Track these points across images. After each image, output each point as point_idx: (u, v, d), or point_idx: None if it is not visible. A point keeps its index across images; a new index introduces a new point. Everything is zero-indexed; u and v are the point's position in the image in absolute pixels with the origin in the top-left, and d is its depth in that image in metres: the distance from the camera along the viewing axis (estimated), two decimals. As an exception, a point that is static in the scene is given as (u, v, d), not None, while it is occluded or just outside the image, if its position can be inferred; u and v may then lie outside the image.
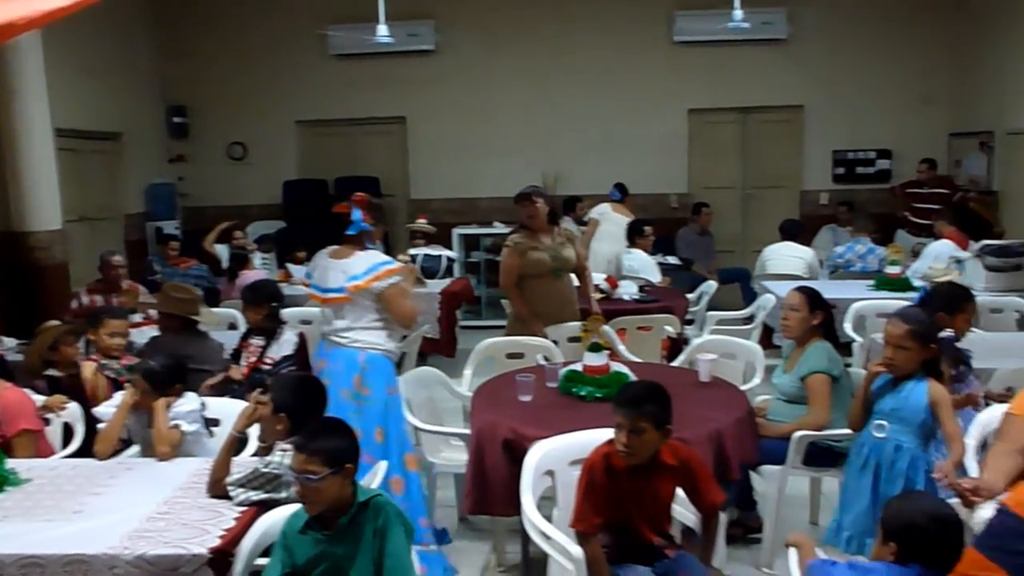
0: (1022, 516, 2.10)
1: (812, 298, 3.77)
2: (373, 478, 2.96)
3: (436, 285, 6.77)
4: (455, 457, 3.96)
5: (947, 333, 3.66)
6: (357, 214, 3.73)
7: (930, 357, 3.09)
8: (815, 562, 2.15)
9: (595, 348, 3.74)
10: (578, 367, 3.77)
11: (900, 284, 6.33)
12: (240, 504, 2.68)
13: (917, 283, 6.37)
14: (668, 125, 9.69)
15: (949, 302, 3.82)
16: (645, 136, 9.56)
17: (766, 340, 5.88)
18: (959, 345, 3.70)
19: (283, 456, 2.70)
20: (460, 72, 9.60)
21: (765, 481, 3.68)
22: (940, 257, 6.66)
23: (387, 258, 3.75)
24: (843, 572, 2.06)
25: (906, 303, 5.69)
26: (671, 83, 9.59)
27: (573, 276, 5.16)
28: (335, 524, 2.41)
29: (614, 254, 7.36)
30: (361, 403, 3.64)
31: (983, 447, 3.01)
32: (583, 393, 3.60)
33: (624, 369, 3.79)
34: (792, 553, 2.27)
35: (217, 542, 2.44)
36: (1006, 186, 8.65)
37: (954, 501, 2.45)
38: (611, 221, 7.83)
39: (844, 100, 9.61)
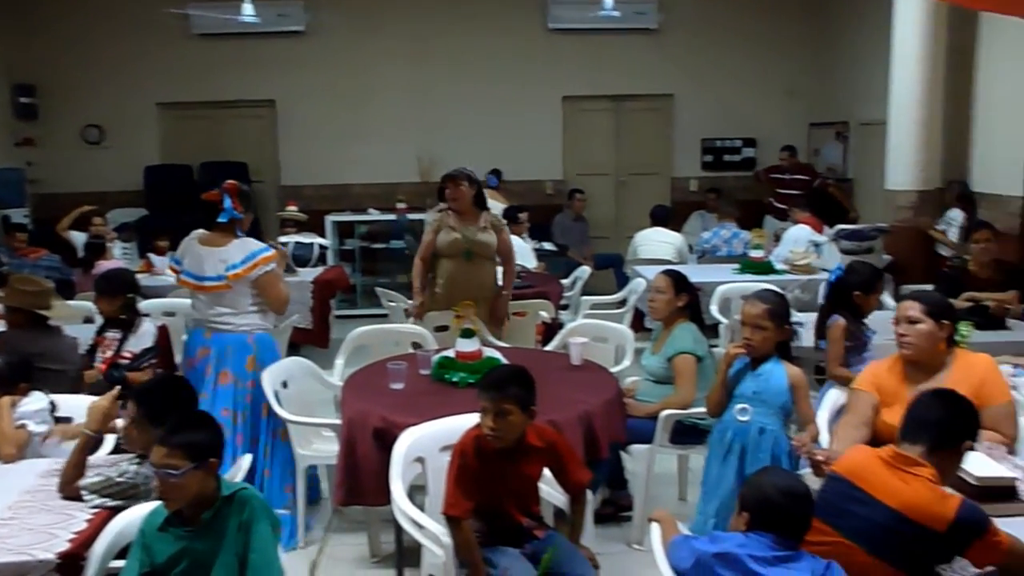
0: (850, 480, 2.21)
1: (677, 281, 3.87)
2: (237, 472, 2.86)
3: (308, 274, 6.65)
4: (327, 449, 3.87)
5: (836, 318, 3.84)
6: (228, 202, 3.75)
7: (784, 338, 3.14)
8: (677, 538, 2.20)
9: (467, 334, 3.72)
10: (451, 353, 3.74)
11: (763, 267, 6.60)
12: (94, 507, 2.54)
13: (779, 266, 6.67)
14: (543, 112, 9.79)
15: (866, 282, 3.89)
16: (520, 122, 9.63)
17: (638, 323, 6.02)
18: (866, 322, 3.88)
19: (138, 465, 2.58)
20: (332, 54, 9.40)
21: (634, 460, 3.77)
22: (799, 241, 6.98)
23: (263, 245, 3.83)
24: (703, 544, 2.12)
25: (768, 285, 6.01)
26: (546, 70, 9.68)
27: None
28: (198, 520, 2.32)
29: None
30: (254, 381, 3.77)
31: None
32: (455, 379, 3.58)
33: (496, 354, 3.79)
34: (655, 528, 2.32)
35: (66, 546, 2.31)
36: (859, 173, 9.17)
37: (807, 471, 2.57)
38: (487, 207, 7.83)
39: (712, 90, 9.94)
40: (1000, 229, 6.21)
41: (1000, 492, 2.35)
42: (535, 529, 2.74)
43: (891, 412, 2.73)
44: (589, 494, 2.88)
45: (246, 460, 2.99)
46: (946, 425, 2.21)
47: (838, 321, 3.81)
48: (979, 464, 2.42)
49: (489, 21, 9.56)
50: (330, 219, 8.73)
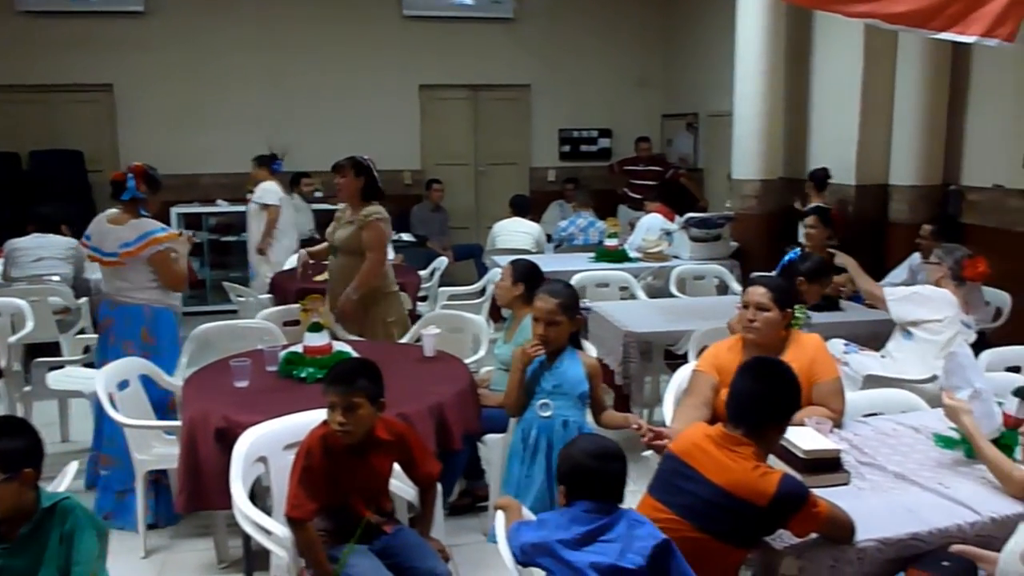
0: (682, 458, 2.29)
1: (516, 270, 3.88)
2: (62, 481, 2.66)
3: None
4: (169, 452, 3.67)
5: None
6: (131, 182, 4.00)
7: (576, 328, 3.15)
8: (513, 525, 2.22)
9: (315, 328, 3.61)
10: (298, 349, 3.63)
11: (617, 256, 6.75)
12: None
13: (632, 254, 6.85)
14: (400, 100, 9.68)
15: (813, 272, 3.91)
16: (377, 111, 9.48)
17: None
18: (810, 312, 3.92)
19: None
20: (174, 37, 8.94)
21: (489, 449, 3.76)
22: (652, 230, 7.18)
23: (159, 226, 4.07)
24: (525, 531, 2.16)
25: (622, 272, 6.15)
26: (401, 58, 9.56)
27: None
28: (15, 534, 2.18)
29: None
30: (149, 353, 3.95)
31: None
32: (304, 375, 3.48)
33: (346, 348, 3.69)
34: (499, 516, 2.31)
35: None
36: (708, 163, 9.54)
37: (648, 454, 2.63)
38: (343, 198, 7.63)
39: (568, 80, 10.09)
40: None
41: (826, 464, 2.47)
42: (385, 525, 2.68)
43: (731, 392, 2.82)
44: (439, 485, 2.85)
45: (72, 468, 2.79)
46: (765, 406, 2.30)
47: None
48: (806, 438, 2.53)
49: (342, 6, 9.34)
50: (176, 211, 8.29)
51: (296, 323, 4.15)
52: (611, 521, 2.12)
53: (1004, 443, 2.56)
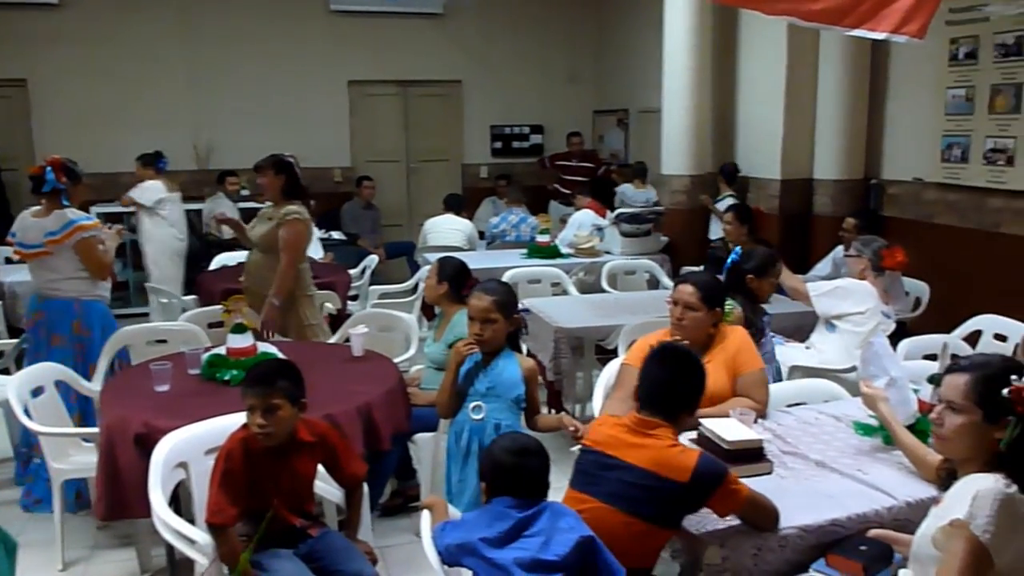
0: (600, 449, 2.33)
1: (441, 268, 3.86)
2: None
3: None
4: (87, 460, 3.54)
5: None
6: (50, 174, 4.06)
7: (514, 328, 3.09)
8: (438, 525, 2.21)
9: (239, 329, 3.53)
10: (222, 351, 3.54)
11: (549, 252, 6.77)
12: None
13: (564, 250, 6.87)
14: (328, 96, 9.52)
15: (761, 266, 3.88)
16: (305, 107, 9.32)
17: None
18: (764, 307, 3.91)
19: None
20: (91, 30, 8.63)
21: (420, 449, 3.73)
22: (583, 225, 7.22)
23: (82, 215, 4.15)
24: (449, 531, 2.16)
25: (554, 268, 6.16)
26: (330, 53, 9.41)
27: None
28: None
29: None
30: (83, 345, 4.09)
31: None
32: (227, 378, 3.39)
33: (273, 349, 3.62)
34: (425, 516, 2.29)
35: None
36: (639, 159, 9.60)
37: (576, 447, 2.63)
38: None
39: (499, 77, 10.07)
40: (763, 210, 6.76)
41: (749, 454, 2.51)
42: (310, 528, 2.63)
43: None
44: (366, 487, 2.81)
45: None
46: (675, 391, 2.36)
47: (735, 310, 3.69)
48: (730, 429, 2.57)
49: (270, 2, 9.15)
50: (96, 210, 7.99)
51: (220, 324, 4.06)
52: (533, 515, 2.13)
53: (919, 428, 2.63)
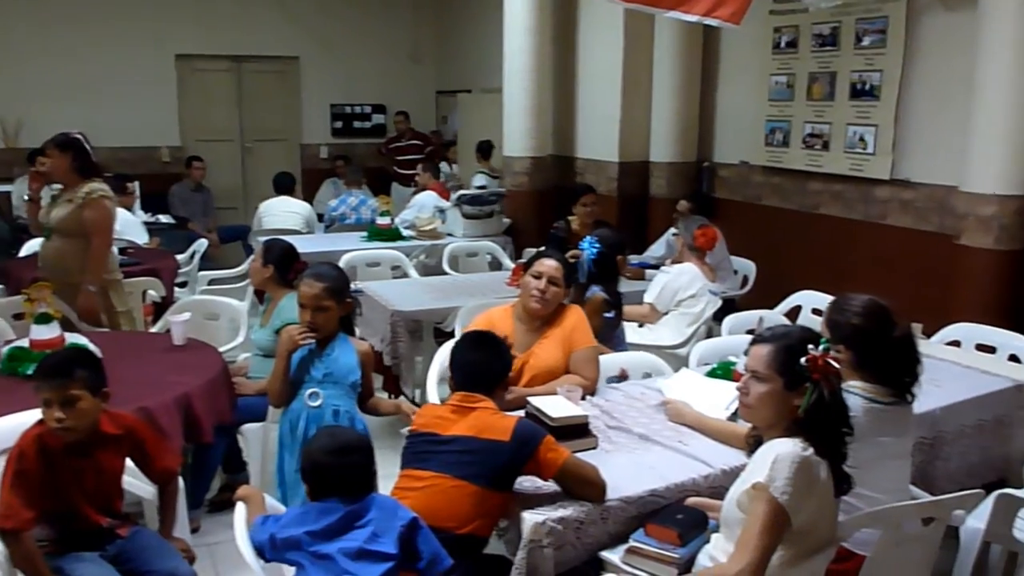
0: (427, 430, 2.38)
1: (266, 251, 3.74)
2: None
3: None
4: None
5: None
6: None
7: (347, 312, 3.06)
8: (258, 518, 2.12)
9: (43, 319, 3.26)
10: (24, 343, 3.26)
11: (390, 234, 6.64)
12: None
13: (405, 232, 6.77)
14: (153, 71, 8.99)
15: (620, 243, 3.96)
16: (128, 82, 8.75)
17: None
18: (620, 290, 3.94)
19: None
20: None
21: (249, 441, 3.58)
22: (425, 207, 7.14)
23: None
24: (272, 525, 2.09)
25: (394, 251, 6.06)
26: (154, 25, 8.88)
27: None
28: None
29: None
30: None
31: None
32: (30, 372, 3.11)
33: (82, 340, 3.36)
34: (239, 508, 2.19)
35: None
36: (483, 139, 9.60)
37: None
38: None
39: (339, 54, 9.82)
40: (602, 192, 6.90)
41: (574, 430, 2.55)
42: (118, 528, 2.46)
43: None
44: (181, 481, 2.66)
45: None
46: (491, 369, 2.47)
47: (597, 294, 3.79)
48: (556, 406, 2.60)
49: (83, -33, 8.54)
50: None
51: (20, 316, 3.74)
52: (361, 508, 2.07)
53: (717, 374, 2.96)
